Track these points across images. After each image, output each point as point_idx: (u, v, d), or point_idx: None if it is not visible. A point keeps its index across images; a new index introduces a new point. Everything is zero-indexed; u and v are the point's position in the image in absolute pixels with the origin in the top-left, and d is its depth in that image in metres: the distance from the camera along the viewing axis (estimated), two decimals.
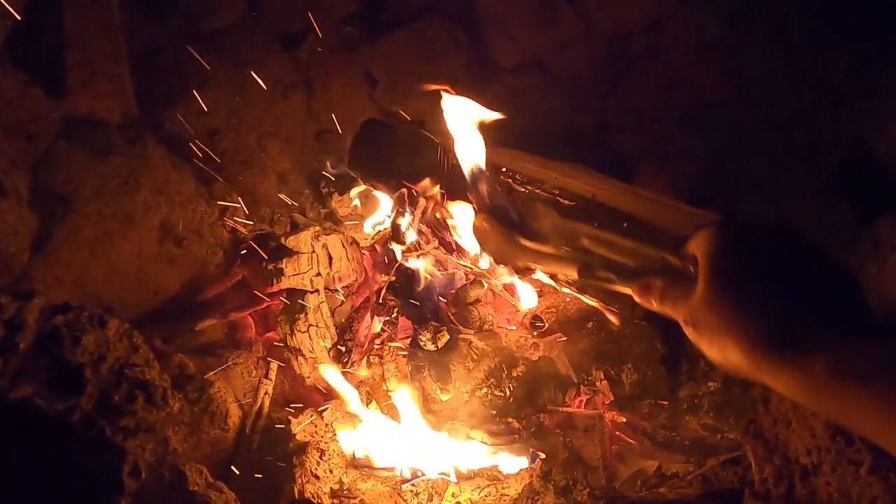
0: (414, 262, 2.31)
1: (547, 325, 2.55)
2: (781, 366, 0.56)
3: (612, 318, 1.71)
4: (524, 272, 2.15)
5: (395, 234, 2.14)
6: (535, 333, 2.53)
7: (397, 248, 2.23)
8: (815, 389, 0.53)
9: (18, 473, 1.06)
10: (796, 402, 0.57)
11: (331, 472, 2.09)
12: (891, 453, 0.48)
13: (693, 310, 0.65)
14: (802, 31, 2.92)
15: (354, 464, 2.15)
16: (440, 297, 2.39)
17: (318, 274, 2.41)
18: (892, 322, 0.54)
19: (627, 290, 0.84)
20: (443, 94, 1.62)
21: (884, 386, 0.48)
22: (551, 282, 1.66)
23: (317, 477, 2.05)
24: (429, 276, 2.36)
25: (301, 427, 2.17)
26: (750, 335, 0.58)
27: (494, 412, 2.31)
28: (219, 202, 2.74)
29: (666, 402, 2.36)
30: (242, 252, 2.62)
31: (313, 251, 2.40)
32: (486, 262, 2.28)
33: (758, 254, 0.62)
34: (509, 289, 2.53)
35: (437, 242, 2.26)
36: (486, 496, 2.03)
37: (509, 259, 1.28)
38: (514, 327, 2.56)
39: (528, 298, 2.42)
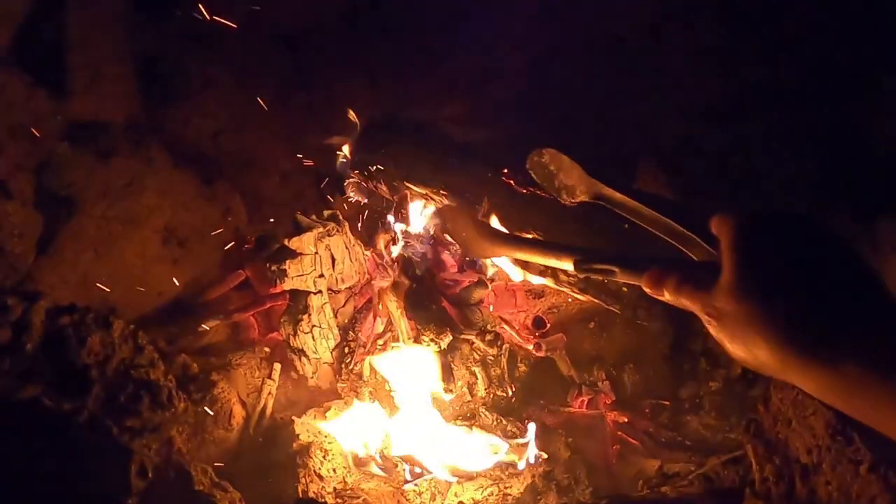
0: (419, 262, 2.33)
1: (549, 325, 2.56)
2: (813, 365, 0.53)
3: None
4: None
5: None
6: (537, 334, 2.54)
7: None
8: (849, 391, 0.52)
9: (28, 473, 1.07)
10: (827, 403, 0.55)
11: (334, 471, 2.10)
12: None
13: (717, 300, 0.61)
14: (802, 30, 2.93)
15: (357, 463, 2.16)
16: (444, 299, 2.40)
17: (322, 275, 2.42)
18: None
19: (632, 281, 0.79)
20: None
21: None
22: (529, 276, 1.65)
23: (320, 477, 2.06)
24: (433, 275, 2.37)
25: (304, 427, 2.18)
26: (779, 330, 0.55)
27: (497, 412, 2.32)
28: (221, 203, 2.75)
29: (667, 402, 2.36)
30: (246, 253, 2.63)
31: (316, 253, 2.41)
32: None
33: (784, 243, 0.60)
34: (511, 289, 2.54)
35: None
36: (488, 495, 2.04)
37: (480, 251, 1.27)
38: (517, 328, 2.58)
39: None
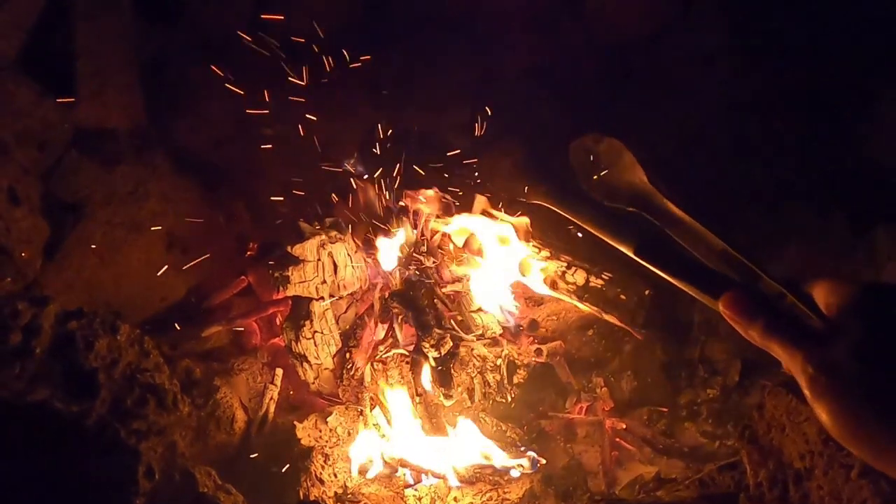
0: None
1: (542, 328, 2.59)
2: None
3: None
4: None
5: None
6: (536, 340, 2.56)
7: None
8: None
9: (38, 474, 1.09)
10: None
11: (335, 476, 2.12)
12: None
13: (840, 358, 0.54)
14: (801, 41, 2.96)
15: (359, 469, 2.18)
16: (444, 305, 2.43)
17: (324, 282, 2.45)
18: None
19: (698, 294, 0.68)
20: None
21: None
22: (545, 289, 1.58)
23: (321, 481, 2.09)
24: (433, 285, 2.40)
25: (305, 432, 2.20)
26: None
27: (496, 418, 2.34)
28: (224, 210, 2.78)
29: (665, 409, 2.39)
30: (248, 259, 2.66)
31: (319, 259, 2.44)
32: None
33: None
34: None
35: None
36: (487, 500, 2.06)
37: (519, 190, 1.12)
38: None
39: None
